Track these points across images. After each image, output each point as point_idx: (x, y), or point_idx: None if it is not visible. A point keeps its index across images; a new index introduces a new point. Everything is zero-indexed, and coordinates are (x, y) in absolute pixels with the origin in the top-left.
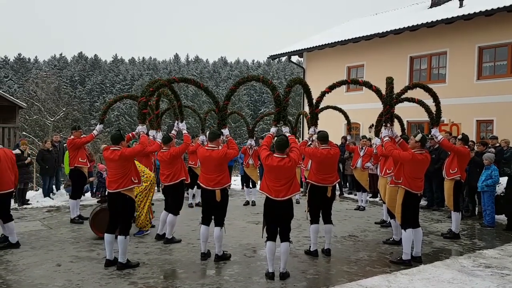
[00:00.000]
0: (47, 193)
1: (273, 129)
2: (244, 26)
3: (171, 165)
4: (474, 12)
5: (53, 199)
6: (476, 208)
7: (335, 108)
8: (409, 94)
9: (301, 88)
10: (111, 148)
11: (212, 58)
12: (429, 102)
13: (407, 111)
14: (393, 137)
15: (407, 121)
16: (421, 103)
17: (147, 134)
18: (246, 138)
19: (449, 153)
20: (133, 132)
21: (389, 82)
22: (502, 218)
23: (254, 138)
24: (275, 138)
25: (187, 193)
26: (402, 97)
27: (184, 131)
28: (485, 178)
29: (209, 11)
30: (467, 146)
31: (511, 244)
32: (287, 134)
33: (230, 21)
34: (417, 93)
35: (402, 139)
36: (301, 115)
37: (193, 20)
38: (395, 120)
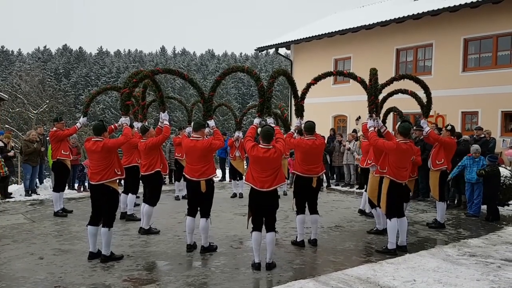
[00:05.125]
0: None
1: (256, 120)
2: (232, 18)
3: (148, 156)
4: (460, 4)
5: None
6: (461, 198)
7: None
8: (395, 85)
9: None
10: (93, 139)
11: (199, 50)
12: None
13: (393, 104)
14: (378, 127)
15: (393, 112)
16: (414, 95)
17: (131, 126)
18: (234, 130)
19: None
20: (116, 124)
21: (373, 73)
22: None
23: (241, 130)
24: (260, 129)
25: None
26: (396, 89)
27: (166, 122)
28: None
29: (196, 3)
30: (453, 137)
31: (495, 233)
32: (272, 125)
33: (217, 13)
34: (403, 85)
35: (387, 129)
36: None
37: (179, 12)
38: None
